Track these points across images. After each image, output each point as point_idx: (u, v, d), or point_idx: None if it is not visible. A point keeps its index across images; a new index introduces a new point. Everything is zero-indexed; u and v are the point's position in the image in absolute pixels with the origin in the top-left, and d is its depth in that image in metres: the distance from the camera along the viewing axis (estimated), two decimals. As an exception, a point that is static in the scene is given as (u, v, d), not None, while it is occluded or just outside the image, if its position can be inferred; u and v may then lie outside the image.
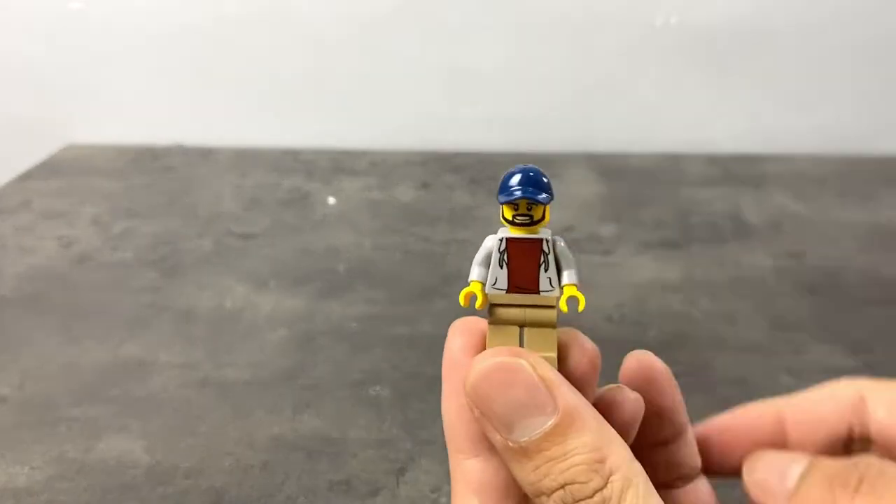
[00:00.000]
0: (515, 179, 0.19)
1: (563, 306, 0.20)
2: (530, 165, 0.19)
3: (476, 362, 0.18)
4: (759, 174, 0.73)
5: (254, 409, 0.42)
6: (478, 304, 0.20)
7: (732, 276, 0.55)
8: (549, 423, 0.16)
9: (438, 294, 0.53)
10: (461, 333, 0.20)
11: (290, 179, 0.74)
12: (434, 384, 0.43)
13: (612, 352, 0.49)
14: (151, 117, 0.83)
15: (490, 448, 0.18)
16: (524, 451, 0.16)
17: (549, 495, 0.16)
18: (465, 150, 0.81)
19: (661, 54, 0.77)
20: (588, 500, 0.16)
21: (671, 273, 0.56)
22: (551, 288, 0.20)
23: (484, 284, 0.20)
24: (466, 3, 0.76)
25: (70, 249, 0.61)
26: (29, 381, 0.45)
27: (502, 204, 0.20)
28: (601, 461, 0.16)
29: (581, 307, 0.19)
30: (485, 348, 0.20)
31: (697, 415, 0.41)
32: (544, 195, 0.19)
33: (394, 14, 0.77)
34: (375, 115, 0.82)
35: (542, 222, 0.20)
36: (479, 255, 0.21)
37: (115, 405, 0.43)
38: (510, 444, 0.17)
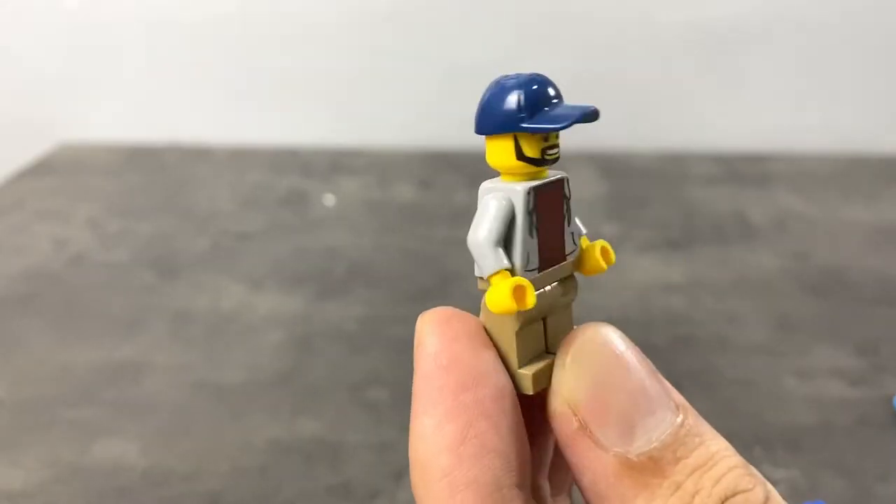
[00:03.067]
0: (549, 91, 0.13)
1: (598, 263, 0.14)
2: (533, 73, 0.13)
3: (566, 352, 0.13)
4: (764, 173, 0.73)
5: (251, 411, 0.42)
6: (531, 301, 0.13)
7: (737, 276, 0.55)
8: (678, 419, 0.12)
9: (438, 295, 0.53)
10: (442, 330, 0.14)
11: (287, 178, 0.74)
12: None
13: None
14: (147, 116, 0.83)
15: (510, 496, 0.13)
16: (656, 465, 0.12)
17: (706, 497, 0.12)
18: (465, 149, 0.81)
19: (665, 52, 0.77)
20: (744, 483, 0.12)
21: (675, 273, 0.55)
22: (574, 247, 0.15)
23: (511, 270, 0.14)
24: (466, 1, 0.76)
25: (64, 249, 0.60)
26: (23, 382, 0.45)
27: (533, 132, 0.13)
28: (748, 465, 0.12)
29: (611, 259, 0.14)
30: (498, 356, 0.15)
31: (701, 413, 0.41)
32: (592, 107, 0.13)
33: (393, 11, 0.77)
34: (374, 114, 0.82)
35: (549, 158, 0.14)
36: (494, 227, 0.15)
37: (110, 407, 0.42)
38: (634, 458, 0.12)
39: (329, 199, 0.69)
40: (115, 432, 0.41)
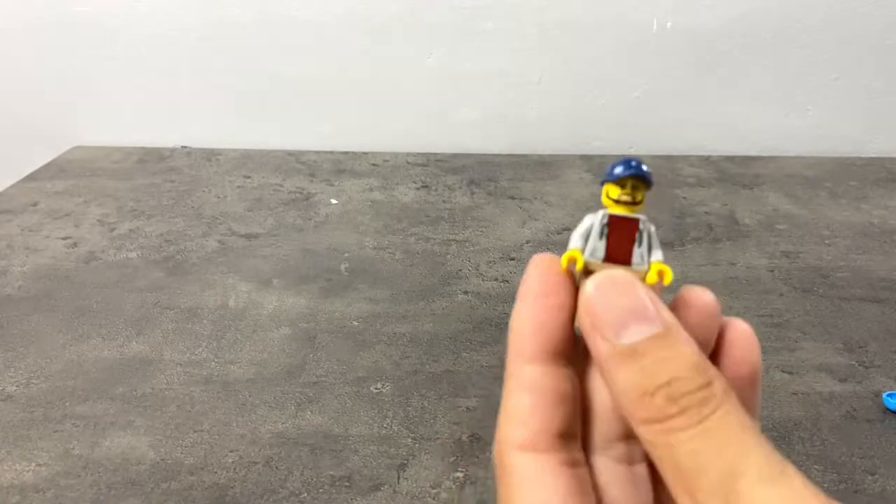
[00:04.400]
0: (623, 165, 0.21)
1: (653, 278, 0.21)
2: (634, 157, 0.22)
3: (592, 278, 0.19)
4: (753, 175, 0.74)
5: (257, 405, 0.43)
6: (578, 266, 0.21)
7: (727, 275, 0.55)
8: (655, 329, 0.18)
9: (438, 293, 0.54)
10: (540, 263, 0.21)
11: (292, 180, 0.75)
12: (434, 381, 0.44)
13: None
14: (157, 119, 0.84)
15: (553, 359, 0.20)
16: (632, 353, 0.18)
17: (653, 393, 0.17)
18: (464, 152, 0.81)
19: (657, 58, 0.77)
20: (693, 394, 0.17)
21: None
22: (641, 262, 0.21)
23: (582, 253, 0.22)
24: (466, 8, 0.76)
25: (76, 249, 0.61)
26: (35, 378, 0.45)
27: (611, 182, 0.22)
28: (704, 367, 0.17)
29: (668, 280, 0.20)
30: (568, 279, 0.21)
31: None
32: (650, 175, 0.21)
33: (395, 19, 0.77)
34: (376, 118, 0.82)
35: (640, 206, 0.21)
36: (580, 229, 0.22)
37: (120, 402, 0.43)
38: (618, 347, 0.18)
39: (332, 202, 0.69)
40: (125, 427, 0.41)
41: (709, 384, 0.17)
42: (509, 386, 0.20)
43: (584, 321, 0.19)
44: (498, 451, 0.19)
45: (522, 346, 0.20)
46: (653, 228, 0.21)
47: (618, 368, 0.18)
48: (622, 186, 0.21)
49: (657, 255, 0.21)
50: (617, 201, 0.22)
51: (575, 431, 0.20)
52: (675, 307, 0.20)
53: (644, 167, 0.21)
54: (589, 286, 0.19)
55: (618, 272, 0.19)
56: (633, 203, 0.21)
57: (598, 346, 0.18)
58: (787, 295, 0.53)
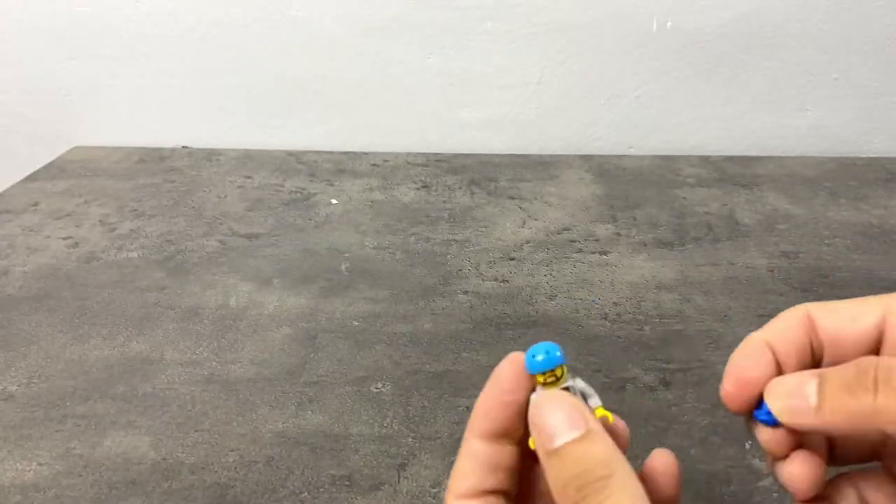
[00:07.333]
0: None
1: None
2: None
3: (536, 395, 0.24)
4: (752, 175, 0.74)
5: (258, 405, 0.43)
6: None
7: (726, 275, 0.56)
8: (577, 434, 0.22)
9: (438, 293, 0.54)
10: (512, 360, 0.24)
11: (293, 180, 0.75)
12: (434, 380, 0.44)
13: (610, 349, 0.50)
14: (157, 120, 0.84)
15: (496, 439, 0.24)
16: (557, 453, 0.22)
17: (567, 484, 0.21)
18: (464, 152, 0.82)
19: (657, 58, 0.78)
20: (592, 484, 0.20)
21: (666, 272, 0.56)
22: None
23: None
24: (465, 8, 0.76)
25: (77, 249, 0.61)
26: (36, 378, 0.46)
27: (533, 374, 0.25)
28: (608, 462, 0.21)
29: (611, 420, 0.24)
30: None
31: (692, 408, 0.42)
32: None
33: (395, 19, 0.77)
34: (377, 118, 0.83)
35: (562, 378, 0.24)
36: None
37: (121, 402, 0.43)
38: (549, 449, 0.22)
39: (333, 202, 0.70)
40: (125, 426, 0.42)
41: (609, 476, 0.20)
42: (461, 451, 0.24)
43: (531, 429, 0.23)
44: (445, 498, 0.24)
45: (472, 423, 0.24)
46: (581, 384, 0.24)
47: (548, 465, 0.22)
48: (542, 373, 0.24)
49: (594, 402, 0.24)
50: (544, 384, 0.24)
51: (512, 491, 0.24)
52: (646, 470, 0.24)
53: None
54: (533, 400, 0.23)
55: (556, 391, 0.23)
56: (556, 380, 0.24)
57: (538, 448, 0.22)
58: (786, 295, 0.53)
